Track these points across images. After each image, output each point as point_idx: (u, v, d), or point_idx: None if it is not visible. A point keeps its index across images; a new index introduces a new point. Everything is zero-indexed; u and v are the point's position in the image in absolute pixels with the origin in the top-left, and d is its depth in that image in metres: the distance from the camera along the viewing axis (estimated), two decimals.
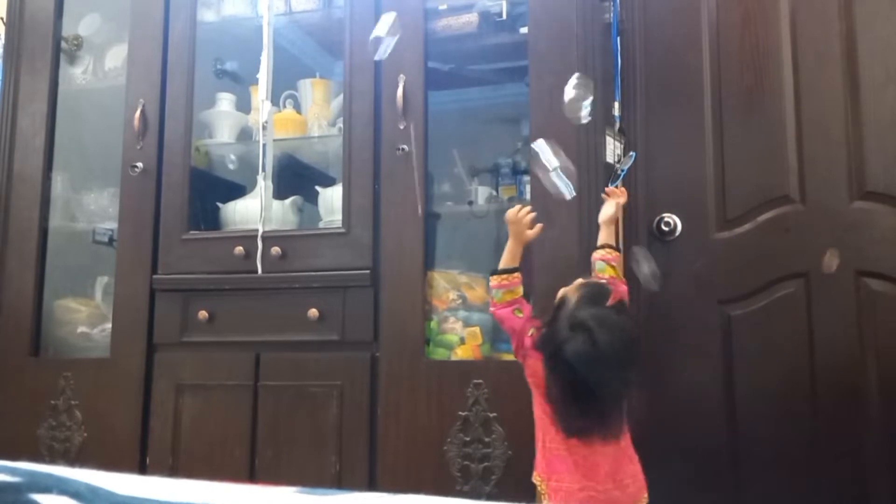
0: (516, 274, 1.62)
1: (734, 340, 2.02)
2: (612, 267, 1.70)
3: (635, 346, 1.49)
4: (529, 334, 1.57)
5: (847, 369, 1.91)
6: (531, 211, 1.65)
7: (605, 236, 1.76)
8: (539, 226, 1.65)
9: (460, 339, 1.94)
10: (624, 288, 1.69)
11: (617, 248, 1.76)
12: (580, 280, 1.59)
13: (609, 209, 1.78)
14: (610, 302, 1.48)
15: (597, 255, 1.73)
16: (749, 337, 2.01)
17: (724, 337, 2.03)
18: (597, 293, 1.51)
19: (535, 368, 1.55)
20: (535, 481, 1.54)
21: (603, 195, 1.84)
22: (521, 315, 1.61)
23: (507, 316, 1.61)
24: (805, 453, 1.91)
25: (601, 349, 1.42)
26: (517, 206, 1.65)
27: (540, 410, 1.56)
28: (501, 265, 1.64)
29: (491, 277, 1.64)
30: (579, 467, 1.48)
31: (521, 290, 1.63)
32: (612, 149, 1.98)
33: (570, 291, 1.55)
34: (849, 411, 1.90)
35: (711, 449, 1.98)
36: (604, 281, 1.65)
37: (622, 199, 1.83)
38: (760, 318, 2.00)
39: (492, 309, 1.65)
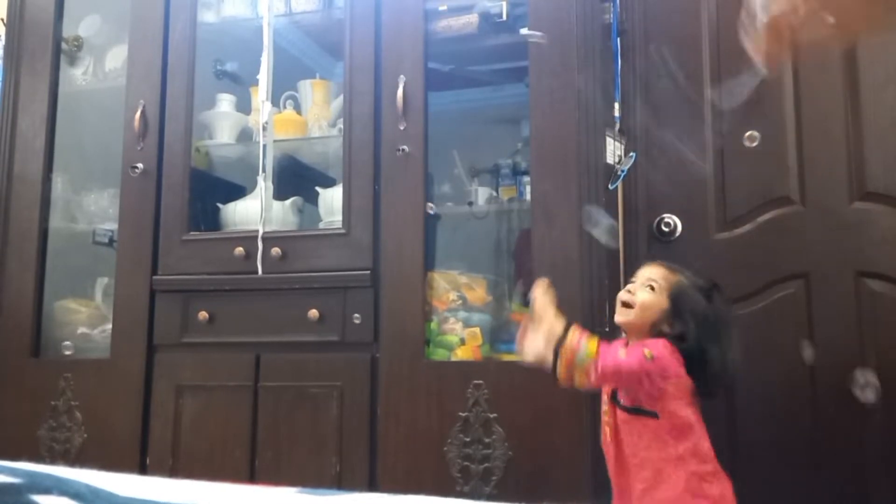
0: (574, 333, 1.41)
1: None
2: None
3: None
4: (649, 358, 1.38)
5: (847, 369, 1.91)
6: None
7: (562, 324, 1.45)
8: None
9: (460, 340, 1.94)
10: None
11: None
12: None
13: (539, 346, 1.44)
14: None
15: (574, 337, 1.41)
16: (749, 337, 2.00)
17: None
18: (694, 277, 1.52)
19: (674, 373, 1.41)
20: None
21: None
22: (652, 355, 1.39)
23: (644, 362, 1.37)
24: (805, 453, 1.91)
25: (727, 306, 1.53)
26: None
27: (694, 420, 1.44)
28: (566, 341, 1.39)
29: (587, 361, 1.38)
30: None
31: (595, 339, 1.41)
32: (613, 149, 1.98)
33: (674, 281, 1.48)
34: (849, 411, 1.90)
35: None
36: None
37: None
38: (760, 318, 2.00)
39: (636, 366, 1.38)
